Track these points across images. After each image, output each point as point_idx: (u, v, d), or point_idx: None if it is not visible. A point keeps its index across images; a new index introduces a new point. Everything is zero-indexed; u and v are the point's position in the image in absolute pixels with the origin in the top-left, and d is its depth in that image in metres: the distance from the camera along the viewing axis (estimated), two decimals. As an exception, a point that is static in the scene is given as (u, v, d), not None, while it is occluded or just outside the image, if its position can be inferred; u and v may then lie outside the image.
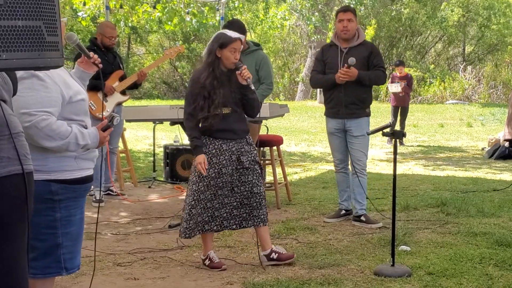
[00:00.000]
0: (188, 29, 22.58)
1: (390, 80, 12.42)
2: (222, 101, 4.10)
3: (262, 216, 4.26)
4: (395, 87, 11.92)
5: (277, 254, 4.26)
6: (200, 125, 4.20)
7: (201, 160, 4.10)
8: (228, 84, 4.14)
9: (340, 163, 5.58)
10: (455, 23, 27.87)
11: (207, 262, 4.24)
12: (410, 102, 13.33)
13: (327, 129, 5.58)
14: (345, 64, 5.23)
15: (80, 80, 3.13)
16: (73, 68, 3.19)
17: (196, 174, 4.18)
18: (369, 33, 23.86)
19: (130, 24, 12.13)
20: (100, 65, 3.12)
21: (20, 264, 2.16)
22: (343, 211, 5.64)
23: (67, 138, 2.69)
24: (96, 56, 3.11)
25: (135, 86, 6.78)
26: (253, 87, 4.21)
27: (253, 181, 4.23)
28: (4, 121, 2.07)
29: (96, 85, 6.43)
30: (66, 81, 2.82)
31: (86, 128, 2.89)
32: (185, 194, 4.62)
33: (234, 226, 4.30)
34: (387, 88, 17.88)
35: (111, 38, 6.54)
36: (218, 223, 4.23)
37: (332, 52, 5.46)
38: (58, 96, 2.74)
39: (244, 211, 4.26)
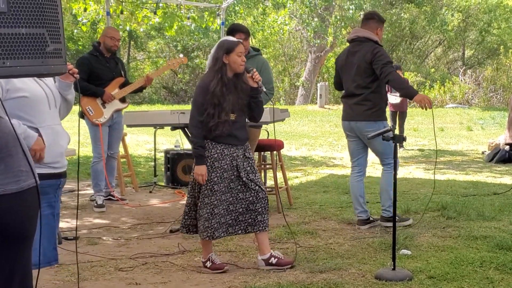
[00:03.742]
0: (189, 37, 22.59)
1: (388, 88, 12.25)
2: (231, 107, 4.14)
3: (266, 221, 4.29)
4: (395, 99, 11.73)
5: (276, 259, 4.26)
6: (205, 131, 4.19)
7: (203, 172, 4.14)
8: (235, 90, 4.16)
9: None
10: (455, 28, 27.90)
11: (208, 264, 4.25)
12: (410, 105, 13.20)
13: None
14: None
15: (61, 90, 3.17)
16: None
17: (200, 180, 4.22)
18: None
19: (128, 28, 12.11)
20: (77, 76, 3.15)
21: (30, 265, 2.27)
22: (370, 218, 5.50)
23: None
24: (72, 66, 3.13)
25: (139, 89, 6.79)
26: (264, 89, 4.25)
27: (257, 187, 4.25)
28: (15, 136, 2.12)
29: (95, 92, 6.46)
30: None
31: (37, 131, 2.95)
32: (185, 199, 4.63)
33: (240, 232, 4.31)
34: None
35: (112, 38, 6.44)
36: (224, 229, 4.24)
37: None
38: None
39: (249, 217, 4.28)
